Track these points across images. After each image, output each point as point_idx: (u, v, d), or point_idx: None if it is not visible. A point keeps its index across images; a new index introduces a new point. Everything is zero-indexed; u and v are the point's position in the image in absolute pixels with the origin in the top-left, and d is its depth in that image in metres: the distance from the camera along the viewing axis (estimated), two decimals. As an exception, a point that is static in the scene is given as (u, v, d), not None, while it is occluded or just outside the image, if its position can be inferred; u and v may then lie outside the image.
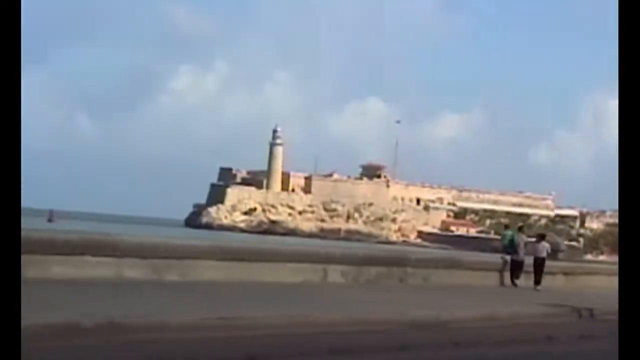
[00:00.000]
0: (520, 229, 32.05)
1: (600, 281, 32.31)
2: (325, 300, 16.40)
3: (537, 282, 28.15)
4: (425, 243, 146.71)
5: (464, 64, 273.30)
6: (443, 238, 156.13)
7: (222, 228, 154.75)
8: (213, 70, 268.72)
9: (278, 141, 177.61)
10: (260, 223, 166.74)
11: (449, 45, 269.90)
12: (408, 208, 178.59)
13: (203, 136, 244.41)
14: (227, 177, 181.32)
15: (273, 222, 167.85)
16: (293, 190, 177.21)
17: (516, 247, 28.43)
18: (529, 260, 28.41)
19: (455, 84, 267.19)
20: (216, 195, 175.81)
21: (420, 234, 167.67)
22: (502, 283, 28.10)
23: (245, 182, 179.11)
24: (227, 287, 16.65)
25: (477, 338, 13.87)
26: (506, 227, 35.53)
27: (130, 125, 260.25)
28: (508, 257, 28.62)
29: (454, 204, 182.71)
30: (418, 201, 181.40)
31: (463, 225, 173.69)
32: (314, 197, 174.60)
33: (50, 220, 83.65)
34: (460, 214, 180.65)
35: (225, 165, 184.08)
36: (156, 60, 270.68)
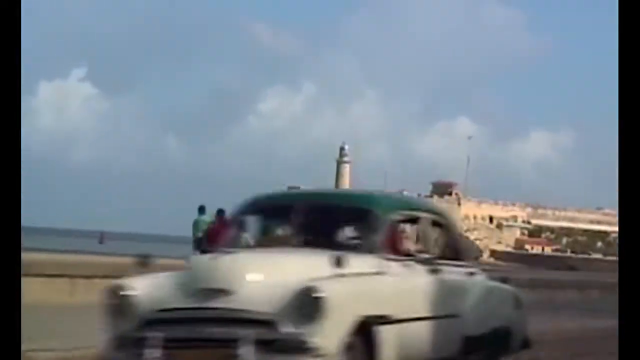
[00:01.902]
0: (219, 212, 19.93)
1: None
2: None
3: None
4: (499, 262, 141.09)
5: (551, 83, 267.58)
6: (517, 257, 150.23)
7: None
8: (300, 90, 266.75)
9: (345, 159, 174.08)
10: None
11: (537, 64, 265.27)
12: (480, 226, 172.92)
13: (286, 156, 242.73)
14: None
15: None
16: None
17: None
18: None
19: (543, 103, 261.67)
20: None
21: (494, 253, 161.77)
22: None
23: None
24: None
25: None
26: (201, 208, 22.54)
27: (217, 147, 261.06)
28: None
29: (528, 222, 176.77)
30: (491, 219, 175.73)
31: (538, 243, 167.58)
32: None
33: (101, 242, 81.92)
34: (535, 232, 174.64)
35: (294, 184, 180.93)
36: (243, 82, 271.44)
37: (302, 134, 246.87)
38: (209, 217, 21.44)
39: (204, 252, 11.05)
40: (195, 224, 22.08)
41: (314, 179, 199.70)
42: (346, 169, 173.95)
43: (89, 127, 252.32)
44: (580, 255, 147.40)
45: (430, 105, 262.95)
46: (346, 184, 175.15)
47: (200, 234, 20.93)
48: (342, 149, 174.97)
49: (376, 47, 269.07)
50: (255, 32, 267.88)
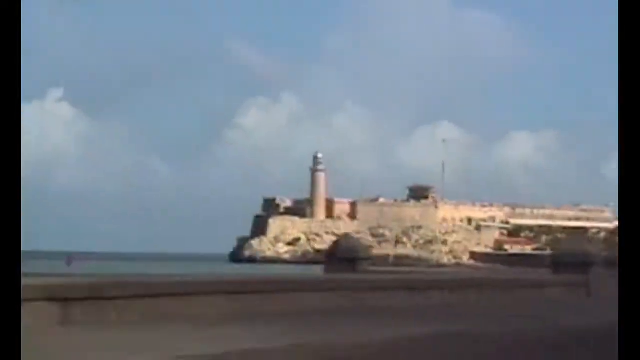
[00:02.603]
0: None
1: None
2: None
3: None
4: (479, 264, 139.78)
5: (530, 85, 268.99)
6: (497, 258, 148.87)
7: (266, 260, 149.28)
8: (282, 104, 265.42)
9: (319, 167, 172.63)
10: (305, 253, 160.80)
11: (517, 67, 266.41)
12: (459, 229, 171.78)
13: (268, 171, 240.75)
14: (270, 207, 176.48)
15: (318, 251, 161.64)
16: (339, 217, 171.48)
17: None
18: None
19: (523, 104, 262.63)
20: (259, 227, 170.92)
21: (474, 254, 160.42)
22: None
23: (289, 212, 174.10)
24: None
25: None
26: None
27: (201, 164, 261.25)
28: None
29: (507, 222, 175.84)
30: (469, 221, 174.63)
31: (517, 243, 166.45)
32: (360, 223, 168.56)
33: (69, 264, 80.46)
34: (514, 232, 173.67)
35: (270, 195, 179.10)
36: (226, 99, 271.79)
37: (284, 147, 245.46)
38: None
39: None
40: None
41: (293, 190, 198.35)
42: (321, 177, 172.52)
43: (71, 149, 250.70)
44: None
45: (411, 111, 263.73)
46: (322, 192, 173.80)
47: None
48: (315, 157, 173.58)
49: (357, 57, 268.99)
50: (238, 51, 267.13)
